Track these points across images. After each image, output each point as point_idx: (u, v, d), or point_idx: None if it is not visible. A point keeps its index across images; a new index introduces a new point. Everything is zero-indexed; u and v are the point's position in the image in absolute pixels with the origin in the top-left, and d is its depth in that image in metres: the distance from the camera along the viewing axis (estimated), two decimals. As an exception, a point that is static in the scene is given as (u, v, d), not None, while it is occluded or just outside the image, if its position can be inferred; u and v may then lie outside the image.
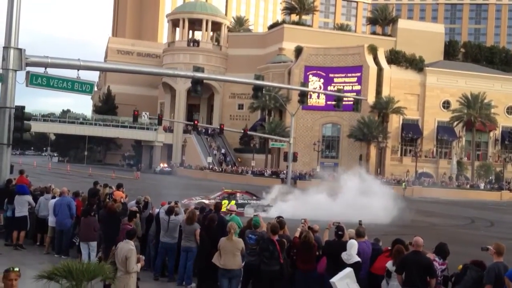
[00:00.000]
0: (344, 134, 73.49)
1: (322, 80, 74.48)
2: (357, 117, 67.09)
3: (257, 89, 27.70)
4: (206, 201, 25.88)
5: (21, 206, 16.32)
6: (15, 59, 17.56)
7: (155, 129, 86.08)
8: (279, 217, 11.81)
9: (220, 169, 73.38)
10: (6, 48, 17.51)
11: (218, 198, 27.37)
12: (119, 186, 17.51)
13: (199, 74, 23.97)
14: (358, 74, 73.19)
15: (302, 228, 11.04)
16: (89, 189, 18.38)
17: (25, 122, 18.48)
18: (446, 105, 76.84)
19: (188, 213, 12.63)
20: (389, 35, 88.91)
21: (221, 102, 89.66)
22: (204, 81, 25.08)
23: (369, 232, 11.58)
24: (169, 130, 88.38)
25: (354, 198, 26.75)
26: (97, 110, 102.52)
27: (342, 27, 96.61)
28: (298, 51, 77.29)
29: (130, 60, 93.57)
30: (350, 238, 10.22)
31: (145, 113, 66.18)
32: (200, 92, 24.66)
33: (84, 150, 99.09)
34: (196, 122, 58.43)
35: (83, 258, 13.22)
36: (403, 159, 74.86)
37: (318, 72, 74.99)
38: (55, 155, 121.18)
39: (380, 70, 73.96)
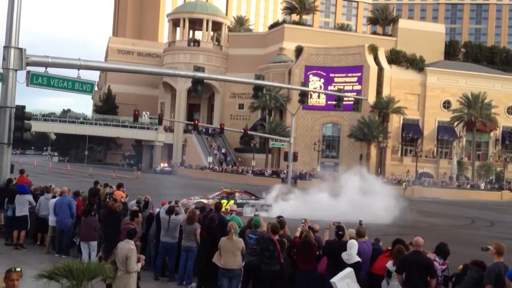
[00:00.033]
0: (345, 134, 73.51)
1: (322, 80, 74.50)
2: (358, 117, 67.12)
3: (257, 89, 27.71)
4: (205, 201, 25.93)
5: (22, 205, 16.33)
6: (15, 58, 17.57)
7: (156, 129, 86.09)
8: (279, 217, 11.82)
9: (221, 169, 73.39)
10: (7, 47, 17.52)
11: (217, 197, 27.35)
12: (119, 186, 17.51)
13: (199, 74, 23.98)
14: (359, 74, 73.20)
15: (303, 228, 11.04)
16: (90, 188, 18.38)
17: (26, 121, 18.49)
18: (447, 105, 76.84)
19: (189, 213, 12.64)
20: (390, 35, 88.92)
21: (222, 102, 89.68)
22: (205, 80, 25.09)
23: (369, 232, 11.58)
24: (169, 129, 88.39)
25: (355, 198, 26.70)
26: (97, 109, 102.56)
27: (342, 27, 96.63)
28: (299, 51, 77.31)
29: (130, 60, 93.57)
30: (351, 238, 10.22)
31: (146, 113, 66.14)
32: (201, 92, 24.67)
33: (85, 149, 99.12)
34: (196, 121, 58.42)
35: (84, 257, 13.22)
36: (404, 159, 74.87)
37: (319, 72, 75.00)
38: (56, 154, 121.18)
39: (380, 70, 73.97)
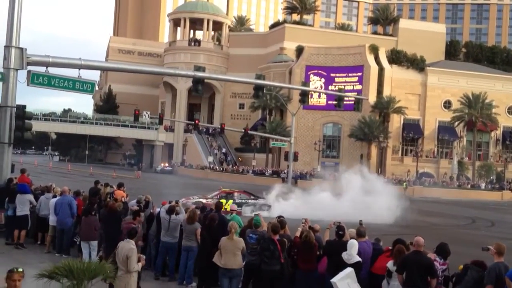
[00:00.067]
0: (345, 134, 73.50)
1: (323, 80, 74.50)
2: (358, 116, 67.13)
3: (258, 88, 27.71)
4: (204, 200, 25.94)
5: (23, 205, 16.33)
6: (16, 58, 17.57)
7: (156, 129, 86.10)
8: (279, 217, 11.82)
9: (221, 169, 73.39)
10: (8, 47, 17.52)
11: (216, 197, 27.32)
12: (120, 185, 17.51)
13: (200, 74, 23.98)
14: (359, 74, 73.19)
15: (303, 228, 11.04)
16: (90, 188, 18.38)
17: (26, 121, 18.51)
18: (447, 105, 76.83)
19: (189, 213, 12.64)
20: (390, 35, 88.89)
21: (222, 102, 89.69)
22: (205, 80, 25.09)
23: (370, 232, 11.58)
24: (170, 129, 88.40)
25: (357, 197, 26.63)
26: (98, 109, 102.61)
27: (343, 27, 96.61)
28: (299, 50, 77.32)
29: (131, 60, 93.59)
30: (351, 238, 10.22)
31: (146, 113, 66.13)
32: (201, 92, 24.68)
33: (85, 149, 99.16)
34: (197, 121, 58.48)
35: (84, 257, 13.22)
36: (404, 159, 74.86)
37: (319, 71, 75.00)
38: (56, 154, 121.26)
39: (381, 70, 73.97)
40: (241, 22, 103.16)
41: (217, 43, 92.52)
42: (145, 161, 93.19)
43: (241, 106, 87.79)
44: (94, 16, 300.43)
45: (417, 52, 77.90)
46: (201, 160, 79.01)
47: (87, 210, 14.12)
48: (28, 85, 18.00)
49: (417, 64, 77.29)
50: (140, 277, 10.63)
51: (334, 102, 35.25)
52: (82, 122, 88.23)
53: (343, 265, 9.54)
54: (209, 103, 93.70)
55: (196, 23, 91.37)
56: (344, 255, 9.65)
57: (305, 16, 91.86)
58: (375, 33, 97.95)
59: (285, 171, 57.66)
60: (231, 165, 77.13)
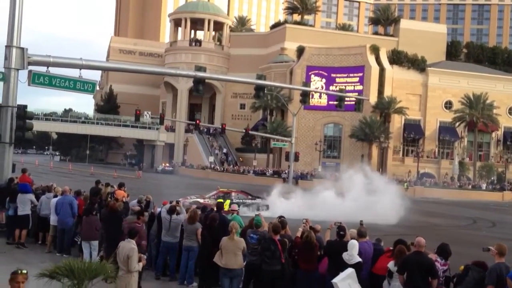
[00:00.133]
0: (346, 134, 73.47)
1: (324, 80, 74.49)
2: (359, 117, 67.11)
3: (259, 88, 27.71)
4: (201, 200, 25.97)
5: (24, 204, 16.34)
6: (17, 58, 17.58)
7: (157, 129, 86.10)
8: (280, 217, 11.81)
9: (222, 169, 73.39)
10: (9, 47, 17.53)
11: (213, 197, 27.31)
12: (121, 185, 17.51)
13: (201, 74, 23.98)
14: (360, 74, 73.16)
15: (304, 228, 11.04)
16: (91, 188, 18.39)
17: (27, 121, 18.52)
18: (448, 105, 76.81)
19: (190, 213, 12.64)
20: (391, 35, 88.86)
21: (223, 102, 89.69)
22: (206, 80, 25.09)
23: (371, 232, 11.57)
24: (171, 129, 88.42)
25: (360, 197, 26.52)
26: (99, 109, 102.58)
27: (344, 27, 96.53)
28: (300, 51, 77.31)
29: (132, 60, 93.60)
30: (352, 238, 10.21)
31: (147, 113, 66.17)
32: (202, 92, 24.69)
33: (86, 149, 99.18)
34: (198, 121, 58.45)
35: (85, 257, 13.22)
36: (405, 159, 74.83)
37: (320, 72, 74.98)
38: (57, 154, 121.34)
39: (382, 70, 73.95)
40: (242, 22, 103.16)
41: (218, 43, 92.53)
42: (146, 161, 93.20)
43: (242, 106, 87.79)
44: (95, 16, 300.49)
45: (418, 53, 77.89)
46: (202, 160, 79.01)
47: (88, 210, 14.13)
48: (29, 85, 18.01)
49: (418, 64, 77.27)
50: (141, 277, 10.64)
51: (335, 103, 35.24)
52: (83, 122, 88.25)
53: (344, 266, 9.53)
54: (210, 103, 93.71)
55: (197, 23, 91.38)
56: (345, 255, 9.64)
57: (306, 17, 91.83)
58: (376, 33, 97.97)
59: (286, 171, 57.67)
60: (232, 165, 77.12)
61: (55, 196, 16.21)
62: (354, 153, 72.65)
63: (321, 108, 74.25)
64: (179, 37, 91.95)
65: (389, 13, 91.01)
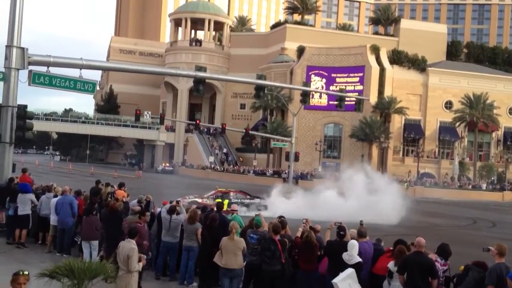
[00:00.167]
0: (346, 134, 73.46)
1: (324, 80, 74.48)
2: (359, 117, 67.10)
3: (259, 88, 27.71)
4: (199, 200, 25.96)
5: (24, 204, 16.34)
6: (17, 58, 17.58)
7: (157, 128, 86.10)
8: (280, 217, 11.81)
9: (222, 169, 73.39)
10: (9, 47, 17.53)
11: (211, 197, 27.31)
12: (121, 185, 17.51)
13: (201, 74, 23.98)
14: (360, 74, 73.16)
15: (304, 228, 11.04)
16: (91, 188, 18.40)
17: (27, 121, 18.53)
18: (449, 105, 76.79)
19: (190, 213, 12.65)
20: (392, 35, 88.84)
21: (223, 102, 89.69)
22: (206, 80, 25.09)
23: (371, 232, 11.57)
24: (171, 129, 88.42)
25: (361, 197, 26.44)
26: (99, 109, 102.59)
27: (344, 27, 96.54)
28: (300, 51, 77.30)
29: (132, 60, 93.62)
30: (352, 238, 10.21)
31: (147, 112, 66.15)
32: (202, 92, 24.69)
33: (86, 149, 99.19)
34: (198, 121, 58.43)
35: (85, 257, 13.22)
36: (405, 159, 74.82)
37: (320, 72, 74.97)
38: (57, 154, 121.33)
39: (382, 70, 73.94)
40: (242, 22, 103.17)
41: (218, 43, 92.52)
42: (146, 161, 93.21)
43: (242, 106, 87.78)
44: (95, 16, 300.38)
45: (418, 53, 77.88)
46: (202, 160, 79.00)
47: (88, 210, 14.13)
48: (29, 84, 18.01)
49: (418, 64, 77.26)
50: (141, 277, 10.64)
51: (335, 103, 35.23)
52: (83, 122, 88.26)
53: (344, 266, 9.53)
54: (210, 103, 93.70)
55: (197, 23, 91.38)
56: (345, 255, 9.64)
57: (306, 16, 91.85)
58: (376, 33, 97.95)
59: (286, 171, 57.66)
60: (232, 165, 77.12)
61: (55, 196, 16.21)
62: (354, 153, 72.63)
63: (321, 108, 74.25)
64: (180, 37, 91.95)
65: (390, 13, 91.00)
